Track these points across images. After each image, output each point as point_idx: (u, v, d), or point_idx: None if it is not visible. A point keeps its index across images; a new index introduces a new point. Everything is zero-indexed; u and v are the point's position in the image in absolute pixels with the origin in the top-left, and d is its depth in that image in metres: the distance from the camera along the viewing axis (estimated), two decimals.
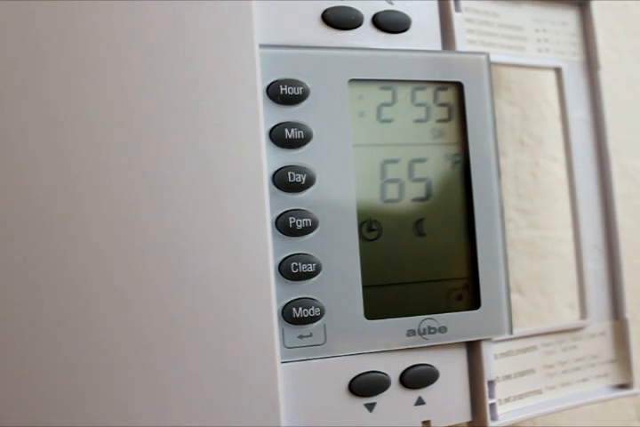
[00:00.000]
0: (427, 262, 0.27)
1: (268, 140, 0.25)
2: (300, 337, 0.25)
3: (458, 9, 0.28)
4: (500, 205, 0.28)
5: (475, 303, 0.27)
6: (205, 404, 0.22)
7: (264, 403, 0.23)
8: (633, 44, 0.41)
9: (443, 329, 0.26)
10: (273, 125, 0.25)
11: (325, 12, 0.26)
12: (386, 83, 0.27)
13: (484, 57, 0.28)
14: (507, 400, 0.29)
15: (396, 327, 0.26)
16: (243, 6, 0.24)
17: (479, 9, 0.30)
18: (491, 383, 0.27)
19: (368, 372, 0.26)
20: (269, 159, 0.24)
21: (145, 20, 0.23)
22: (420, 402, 0.26)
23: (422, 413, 0.26)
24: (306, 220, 0.25)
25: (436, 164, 0.27)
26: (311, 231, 0.25)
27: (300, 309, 0.24)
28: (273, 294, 0.23)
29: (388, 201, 0.27)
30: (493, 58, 0.29)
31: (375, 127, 0.27)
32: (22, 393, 0.21)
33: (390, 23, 0.27)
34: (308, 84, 0.25)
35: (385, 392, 0.26)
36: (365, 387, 0.25)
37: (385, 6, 0.27)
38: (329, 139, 0.25)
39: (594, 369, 0.31)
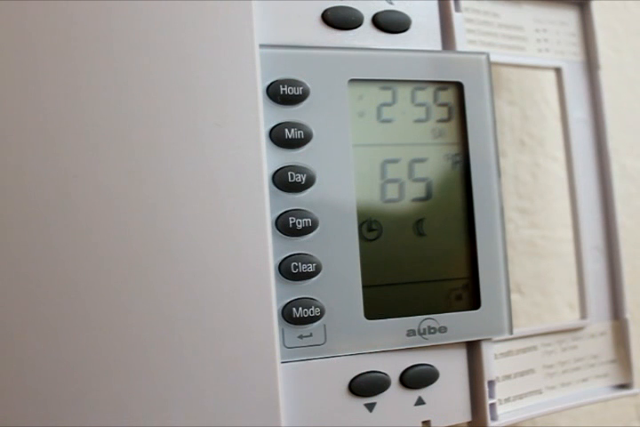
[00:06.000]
0: (427, 262, 0.27)
1: (268, 140, 0.25)
2: (300, 337, 0.25)
3: (458, 9, 0.28)
4: (500, 205, 0.28)
5: (475, 303, 0.27)
6: (205, 404, 0.22)
7: (264, 403, 0.23)
8: (633, 44, 0.41)
9: (443, 329, 0.26)
10: (273, 125, 0.25)
11: (325, 12, 0.26)
12: (386, 83, 0.27)
13: (483, 57, 0.28)
14: (507, 400, 0.29)
15: (395, 327, 0.26)
16: (243, 6, 0.24)
17: (479, 9, 0.30)
18: (491, 383, 0.27)
19: (368, 372, 0.26)
20: (269, 159, 0.24)
21: (144, 20, 0.23)
22: (419, 402, 0.26)
23: (422, 413, 0.26)
24: (306, 220, 0.25)
25: (436, 164, 0.27)
26: (311, 231, 0.25)
27: (300, 309, 0.24)
28: (273, 294, 0.23)
29: (388, 201, 0.27)
30: (493, 58, 0.29)
31: (375, 127, 0.27)
32: (22, 393, 0.21)
33: (390, 23, 0.27)
34: (308, 84, 0.25)
35: (385, 392, 0.26)
36: (365, 387, 0.25)
37: (385, 6, 0.27)
38: (329, 139, 0.25)
39: (594, 369, 0.31)
